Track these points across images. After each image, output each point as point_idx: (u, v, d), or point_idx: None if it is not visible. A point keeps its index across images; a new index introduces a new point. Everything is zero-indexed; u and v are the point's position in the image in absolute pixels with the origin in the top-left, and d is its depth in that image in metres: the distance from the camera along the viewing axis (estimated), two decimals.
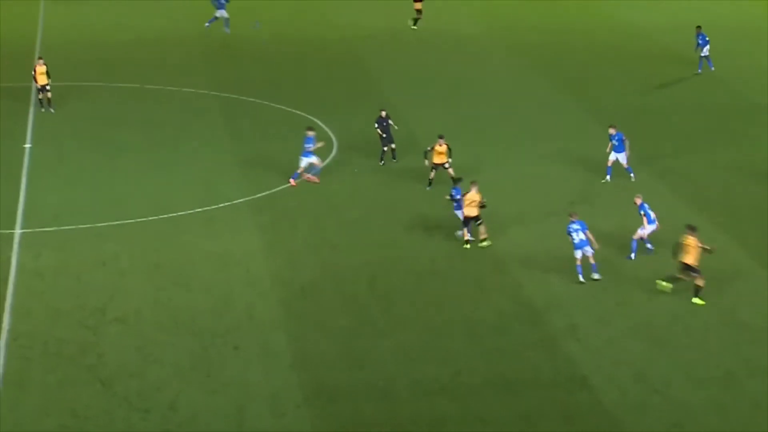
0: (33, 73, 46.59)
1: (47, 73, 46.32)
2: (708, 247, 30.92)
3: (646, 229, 33.27)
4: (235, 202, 37.89)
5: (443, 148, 38.67)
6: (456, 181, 36.17)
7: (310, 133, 39.23)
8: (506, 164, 40.71)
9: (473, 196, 34.22)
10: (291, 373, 27.63)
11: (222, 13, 58.11)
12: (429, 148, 38.75)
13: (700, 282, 30.69)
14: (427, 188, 38.61)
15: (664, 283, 31.36)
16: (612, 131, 38.79)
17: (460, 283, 32.21)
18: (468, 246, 34.20)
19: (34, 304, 30.97)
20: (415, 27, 59.83)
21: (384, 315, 30.44)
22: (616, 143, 38.70)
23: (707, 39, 50.81)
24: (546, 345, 28.82)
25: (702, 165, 41.06)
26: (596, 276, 32.09)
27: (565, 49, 56.19)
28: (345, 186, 39.33)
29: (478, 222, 34.39)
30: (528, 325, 29.87)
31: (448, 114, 46.50)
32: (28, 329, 29.60)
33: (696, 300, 30.72)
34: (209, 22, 58.47)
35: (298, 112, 46.74)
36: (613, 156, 38.85)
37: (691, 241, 30.70)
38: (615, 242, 33.93)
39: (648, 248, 33.52)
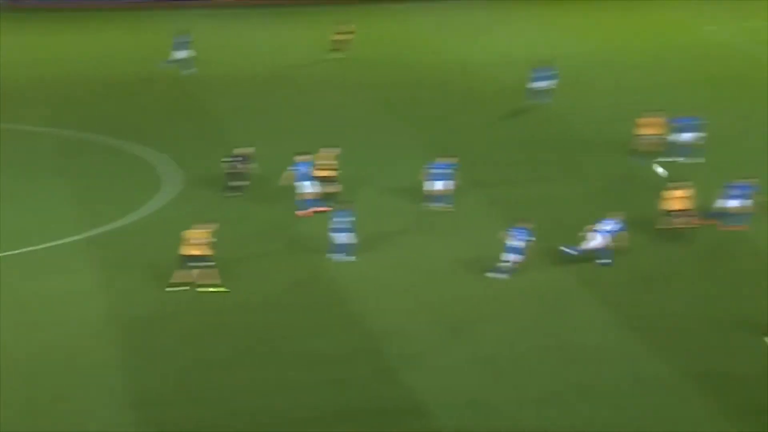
0: None
1: None
2: None
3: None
4: (67, 240, 37.08)
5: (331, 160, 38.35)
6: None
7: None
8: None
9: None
10: (129, 412, 27.13)
11: (180, 54, 56.30)
12: (288, 169, 38.26)
13: None
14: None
15: None
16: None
17: (298, 315, 32.20)
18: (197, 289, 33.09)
19: None
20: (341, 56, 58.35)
21: (226, 349, 30.23)
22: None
23: (551, 74, 50.93)
24: (387, 374, 29.01)
25: (534, 194, 41.47)
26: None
27: (398, 85, 55.73)
28: (186, 220, 38.59)
29: (203, 263, 32.95)
30: (370, 354, 30.03)
31: (288, 149, 46.06)
32: None
33: None
34: (167, 62, 56.25)
35: (146, 148, 45.75)
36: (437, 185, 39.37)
37: None
38: (459, 270, 34.31)
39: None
